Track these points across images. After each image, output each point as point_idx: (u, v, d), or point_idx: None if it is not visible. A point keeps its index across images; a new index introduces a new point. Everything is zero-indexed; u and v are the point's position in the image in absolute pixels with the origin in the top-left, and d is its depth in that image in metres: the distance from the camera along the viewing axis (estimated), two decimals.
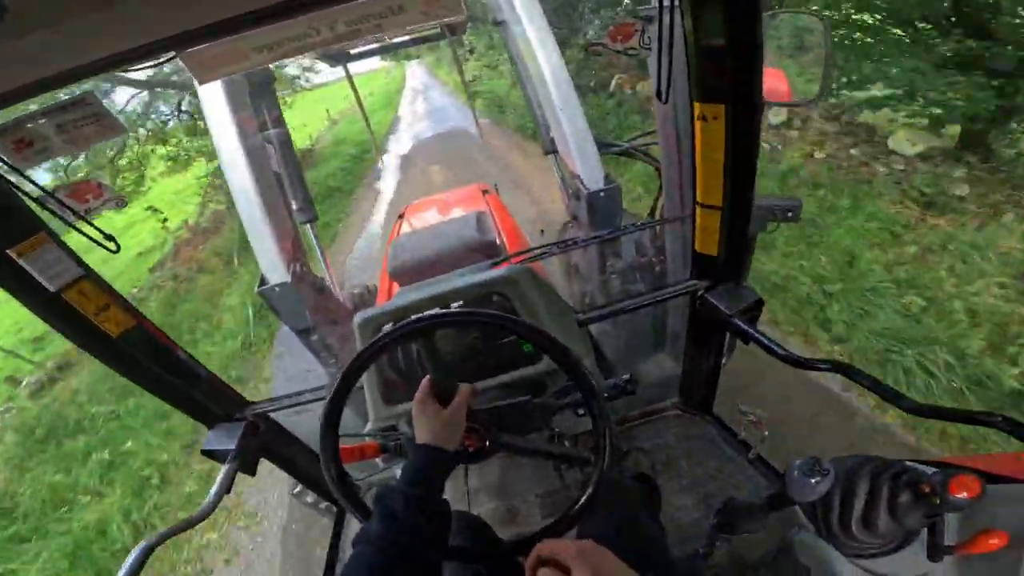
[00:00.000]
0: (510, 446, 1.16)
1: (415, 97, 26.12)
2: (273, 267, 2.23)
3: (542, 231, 4.08)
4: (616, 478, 1.62)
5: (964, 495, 0.78)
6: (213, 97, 2.11)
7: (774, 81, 1.34)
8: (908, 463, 0.96)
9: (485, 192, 4.00)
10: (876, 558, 0.97)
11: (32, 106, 0.96)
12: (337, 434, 1.07)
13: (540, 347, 1.13)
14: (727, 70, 1.13)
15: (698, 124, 1.28)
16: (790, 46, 1.42)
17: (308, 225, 2.99)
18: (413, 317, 1.13)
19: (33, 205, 1.04)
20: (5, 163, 0.91)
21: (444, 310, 1.19)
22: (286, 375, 2.90)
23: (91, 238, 1.06)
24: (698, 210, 1.50)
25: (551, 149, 3.14)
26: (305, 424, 2.08)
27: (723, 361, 1.99)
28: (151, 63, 0.86)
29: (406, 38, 3.80)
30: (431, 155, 11.75)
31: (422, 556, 0.84)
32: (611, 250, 2.65)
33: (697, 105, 1.25)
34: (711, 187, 1.41)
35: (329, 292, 2.87)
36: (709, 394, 2.15)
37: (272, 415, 1.77)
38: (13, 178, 0.95)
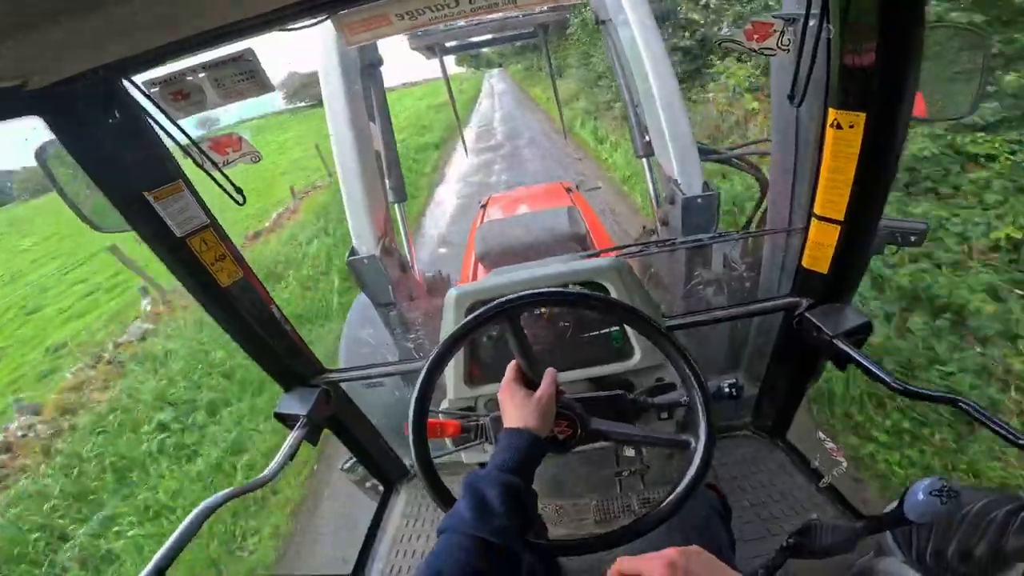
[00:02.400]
0: (604, 434, 1.13)
1: (486, 135, 16.53)
2: (364, 240, 2.30)
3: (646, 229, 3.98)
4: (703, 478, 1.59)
5: None
6: (330, 75, 2.22)
7: None
8: None
9: (569, 189, 3.99)
10: None
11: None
12: (429, 400, 1.08)
13: (655, 341, 1.11)
14: (875, 77, 1.06)
15: (830, 132, 1.21)
16: (934, 62, 1.32)
17: (397, 205, 3.08)
18: (543, 289, 1.11)
19: (176, 154, 1.11)
20: (163, 112, 0.98)
21: (551, 289, 1.16)
22: (358, 347, 2.99)
23: (223, 188, 1.12)
24: (813, 223, 1.42)
25: (645, 152, 3.09)
26: (372, 397, 2.14)
27: (809, 385, 1.90)
28: (306, 24, 0.89)
29: (500, 34, 3.85)
30: None
31: (512, 548, 0.82)
32: (700, 259, 2.57)
33: (832, 111, 1.18)
34: (833, 199, 1.33)
35: (410, 271, 2.94)
36: (786, 417, 2.05)
37: (343, 385, 1.80)
38: (166, 126, 1.02)
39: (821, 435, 1.85)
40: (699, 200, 2.29)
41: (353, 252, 2.36)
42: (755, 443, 2.16)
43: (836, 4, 1.02)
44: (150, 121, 1.03)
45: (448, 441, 1.40)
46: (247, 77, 0.94)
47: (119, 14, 0.64)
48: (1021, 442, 1.06)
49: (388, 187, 2.88)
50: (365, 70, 2.55)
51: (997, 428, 1.09)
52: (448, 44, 3.56)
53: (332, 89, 2.22)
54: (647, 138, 2.87)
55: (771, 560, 1.33)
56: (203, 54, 0.94)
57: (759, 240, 2.36)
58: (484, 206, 3.97)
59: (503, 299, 1.09)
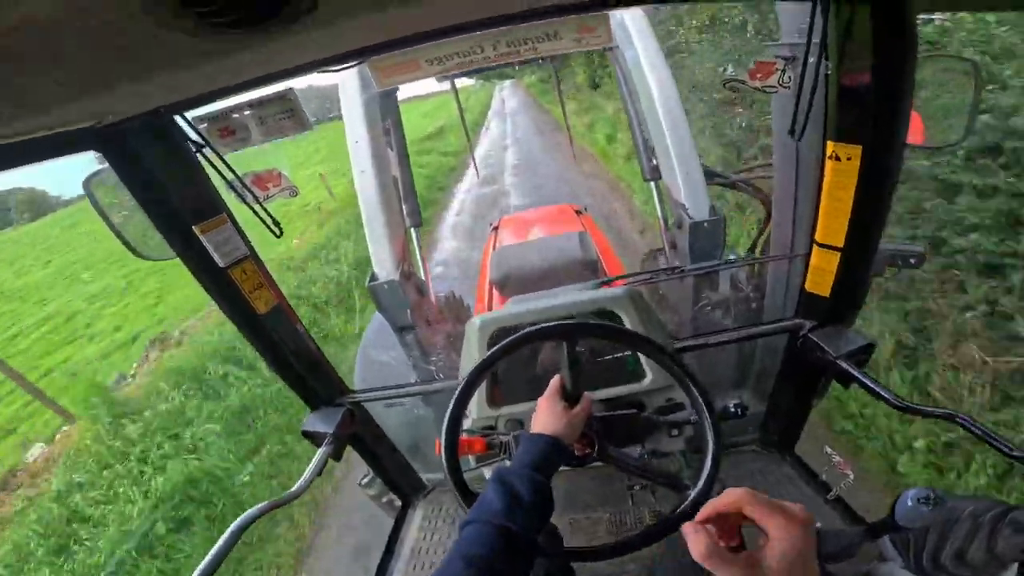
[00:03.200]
0: (614, 459, 1.22)
1: (491, 185, 11.71)
2: (384, 265, 2.38)
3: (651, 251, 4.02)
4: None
5: None
6: (352, 106, 2.30)
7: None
8: (1015, 505, 0.95)
9: (578, 212, 4.06)
10: None
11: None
12: (462, 419, 1.17)
13: (670, 369, 1.22)
14: (870, 111, 1.13)
15: (829, 163, 1.27)
16: (929, 90, 1.39)
17: (413, 230, 3.16)
18: (562, 323, 1.23)
19: (220, 188, 1.19)
20: (211, 148, 1.06)
21: (594, 321, 1.28)
22: (374, 367, 3.05)
23: (263, 221, 1.20)
24: (815, 249, 1.49)
25: (652, 176, 3.16)
26: (391, 416, 2.19)
27: (814, 403, 1.94)
28: (343, 67, 0.98)
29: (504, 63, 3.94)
30: None
31: (534, 542, 0.86)
32: (707, 282, 2.63)
33: (830, 145, 1.24)
34: (833, 227, 1.39)
35: (427, 294, 3.01)
36: (793, 434, 2.08)
37: (365, 405, 1.86)
38: (214, 162, 1.10)
39: (828, 449, 1.88)
40: (706, 224, 2.35)
41: (373, 277, 2.44)
42: (763, 458, 2.18)
43: (834, 42, 1.09)
44: (199, 156, 1.11)
45: (471, 458, 1.47)
46: (288, 116, 1.03)
47: (187, 66, 0.72)
48: (1016, 455, 1.11)
49: (405, 212, 2.96)
50: (383, 97, 2.63)
51: (995, 443, 1.14)
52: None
53: (354, 121, 2.30)
54: (654, 162, 2.95)
55: None
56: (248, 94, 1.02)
57: (764, 263, 2.41)
58: (496, 228, 4.04)
59: (532, 329, 1.21)
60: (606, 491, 2.12)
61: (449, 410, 1.17)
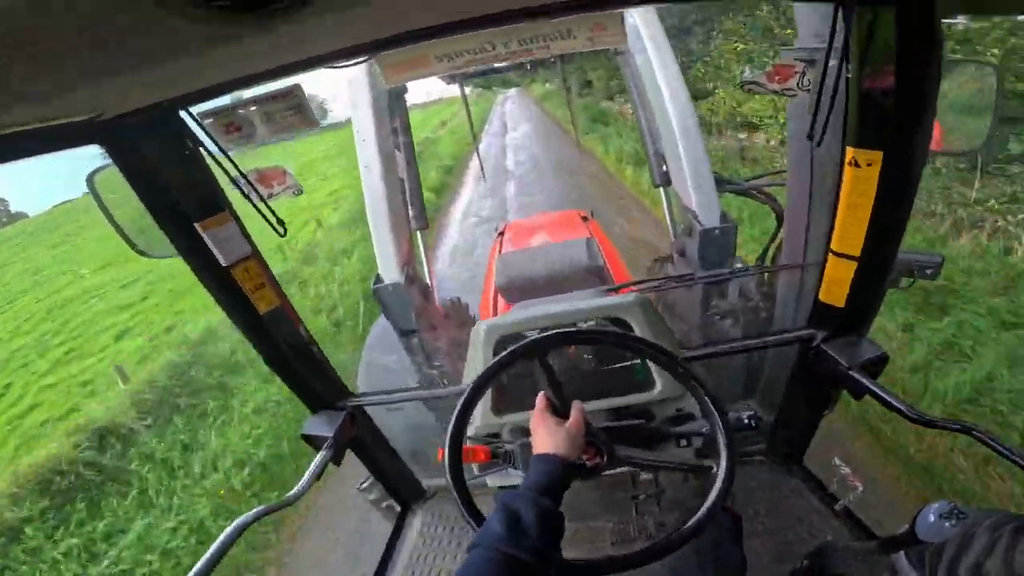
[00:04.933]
0: (630, 460, 1.19)
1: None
2: (389, 268, 2.36)
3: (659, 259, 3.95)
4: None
5: None
6: (361, 106, 2.29)
7: None
8: None
9: (584, 218, 4.04)
10: None
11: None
12: (466, 427, 1.14)
13: (681, 379, 1.19)
14: (891, 116, 1.10)
15: (848, 170, 1.24)
16: (950, 95, 1.36)
17: (419, 233, 3.14)
18: (577, 327, 1.20)
19: (224, 185, 1.17)
20: (216, 144, 1.04)
21: (597, 327, 1.24)
22: (377, 370, 3.04)
23: (267, 219, 1.17)
24: (830, 258, 1.45)
25: (663, 182, 3.13)
26: (392, 420, 2.17)
27: (825, 414, 1.91)
28: (352, 62, 0.95)
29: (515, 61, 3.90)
30: None
31: (542, 568, 0.84)
32: (716, 290, 2.59)
33: (850, 150, 1.21)
34: (850, 236, 1.36)
35: (432, 298, 2.98)
36: (801, 446, 2.05)
37: (366, 409, 1.84)
38: (218, 157, 1.08)
39: (836, 460, 1.85)
40: (716, 232, 2.32)
41: (379, 280, 2.42)
42: (771, 469, 2.15)
43: (856, 45, 1.06)
44: (202, 152, 1.09)
45: (474, 466, 1.44)
46: (294, 112, 1.00)
47: (196, 55, 0.70)
48: None
49: (411, 215, 2.94)
50: (392, 98, 2.62)
51: (1011, 456, 1.10)
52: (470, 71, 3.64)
53: (363, 122, 2.29)
54: (665, 168, 2.92)
55: None
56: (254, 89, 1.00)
57: (774, 272, 2.38)
58: (501, 234, 4.02)
59: (539, 338, 1.18)
60: (609, 500, 2.09)
61: (453, 420, 1.14)
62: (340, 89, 2.34)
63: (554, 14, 0.97)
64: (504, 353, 1.16)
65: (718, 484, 1.09)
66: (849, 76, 1.12)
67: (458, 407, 1.14)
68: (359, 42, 0.92)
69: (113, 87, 0.75)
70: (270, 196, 1.16)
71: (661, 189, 3.26)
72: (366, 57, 0.99)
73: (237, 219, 1.25)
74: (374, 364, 2.89)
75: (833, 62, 1.10)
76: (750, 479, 2.13)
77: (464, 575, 0.79)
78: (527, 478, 0.98)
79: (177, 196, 1.13)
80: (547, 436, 1.06)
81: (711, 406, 1.13)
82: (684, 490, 2.05)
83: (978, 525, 0.95)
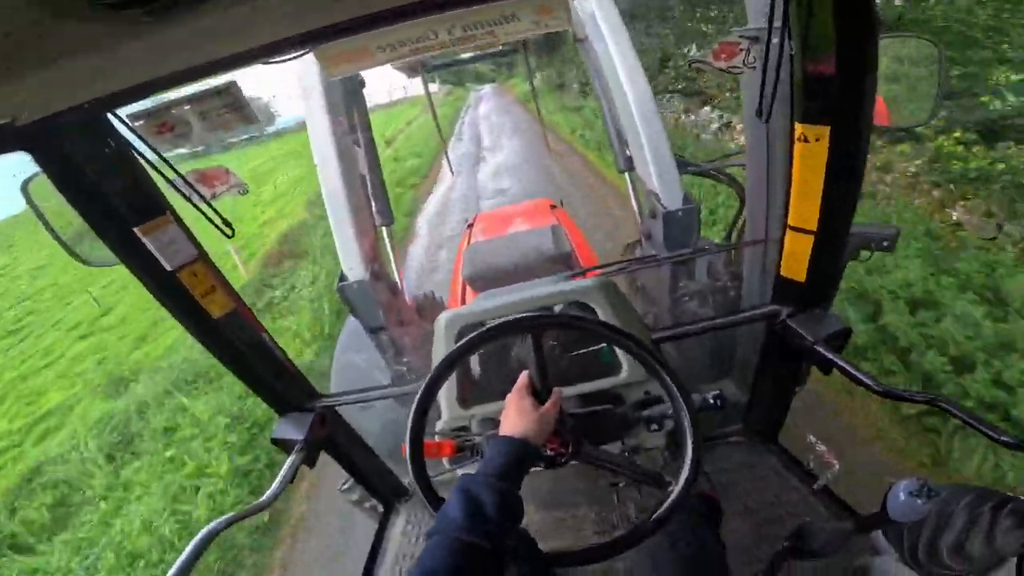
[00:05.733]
0: (591, 458, 1.18)
1: None
2: (353, 265, 2.32)
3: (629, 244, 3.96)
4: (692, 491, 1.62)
5: None
6: (315, 98, 2.23)
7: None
8: (1011, 496, 0.93)
9: (553, 207, 4.04)
10: None
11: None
12: (424, 423, 1.11)
13: (641, 360, 1.16)
14: (835, 91, 1.11)
15: (798, 145, 1.25)
16: (896, 70, 1.38)
17: (384, 229, 3.10)
18: (528, 313, 1.19)
19: (163, 187, 1.12)
20: (148, 145, 1.00)
21: (557, 312, 1.22)
22: (349, 370, 3.01)
23: (212, 221, 1.14)
24: (788, 233, 1.47)
25: (626, 167, 3.14)
26: (366, 420, 2.15)
27: (796, 389, 1.94)
28: (288, 57, 0.92)
29: (481, 52, 3.83)
30: None
31: (500, 552, 0.83)
32: (684, 271, 2.61)
33: (799, 126, 1.22)
34: (805, 210, 1.37)
35: (400, 294, 2.95)
36: (776, 423, 2.08)
37: (337, 410, 1.81)
38: (151, 159, 1.04)
39: (811, 438, 1.87)
40: (679, 213, 2.33)
41: (343, 278, 2.38)
42: (747, 448, 2.18)
43: (796, 21, 1.07)
44: (136, 155, 1.05)
45: (445, 460, 1.43)
46: (231, 109, 0.97)
47: (108, 52, 0.67)
48: (1004, 440, 1.10)
49: (375, 211, 2.89)
50: (347, 92, 2.57)
51: (979, 427, 1.13)
52: (432, 63, 3.56)
53: (316, 114, 2.23)
54: (628, 153, 2.93)
55: (768, 564, 1.35)
56: (188, 87, 0.96)
57: (741, 250, 2.40)
58: (470, 226, 4.00)
59: (490, 327, 1.15)
60: (591, 489, 2.10)
61: (411, 417, 1.12)
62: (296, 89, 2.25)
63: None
64: (454, 348, 1.15)
65: (686, 469, 1.09)
66: (792, 53, 1.12)
67: (414, 405, 1.12)
68: (292, 34, 0.89)
69: (24, 89, 0.71)
70: (213, 197, 1.12)
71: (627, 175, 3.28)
72: (306, 50, 0.95)
73: (180, 222, 1.21)
74: (347, 364, 2.86)
75: (776, 40, 1.11)
76: (727, 460, 2.15)
77: (423, 564, 0.77)
78: (486, 460, 0.96)
79: (112, 201, 1.09)
80: (517, 417, 1.04)
81: (673, 386, 1.12)
82: (666, 473, 2.07)
83: (954, 502, 0.94)
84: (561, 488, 2.14)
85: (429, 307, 3.74)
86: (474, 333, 1.15)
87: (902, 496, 0.93)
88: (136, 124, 0.98)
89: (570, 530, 2.00)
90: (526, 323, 1.16)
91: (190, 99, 0.95)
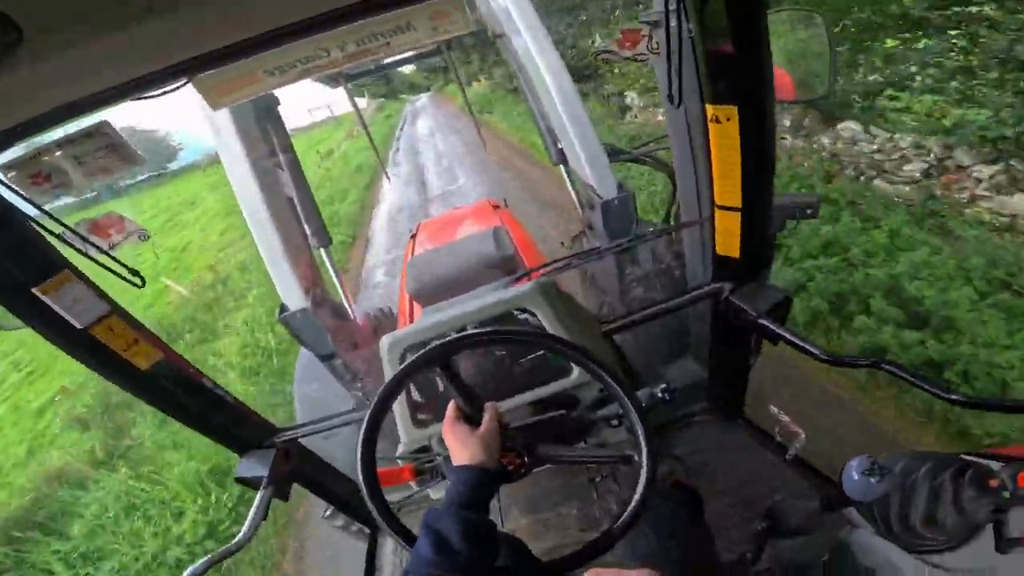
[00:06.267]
0: (551, 458, 1.16)
1: None
2: (292, 294, 2.23)
3: (564, 243, 3.98)
4: (654, 489, 1.61)
5: None
6: (223, 123, 2.12)
7: (778, 80, 1.33)
8: (966, 457, 0.94)
9: (496, 207, 4.01)
10: (943, 553, 0.94)
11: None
12: (374, 459, 1.08)
13: (573, 360, 1.15)
14: (736, 70, 1.12)
15: (712, 127, 1.27)
16: (793, 45, 1.41)
17: (323, 250, 3.00)
18: (439, 342, 1.14)
19: (56, 242, 1.04)
20: (26, 200, 0.92)
21: (471, 331, 1.19)
22: (308, 401, 2.90)
23: (116, 273, 1.06)
24: (717, 212, 1.49)
25: (560, 160, 3.14)
26: (333, 448, 2.08)
27: (751, 363, 1.97)
28: (164, 91, 0.86)
29: (404, 55, 3.69)
30: None
31: None
32: (628, 258, 2.63)
33: (709, 107, 1.24)
34: (728, 189, 1.39)
35: (348, 316, 2.87)
36: (738, 397, 2.12)
37: (302, 440, 1.77)
38: (34, 215, 0.96)
39: (774, 409, 1.90)
40: (615, 202, 2.35)
41: (283, 308, 2.30)
42: (716, 426, 2.22)
43: (692, 4, 1.07)
44: (17, 210, 0.96)
45: (412, 483, 1.40)
46: (109, 150, 0.89)
47: None
48: (952, 397, 1.13)
49: (309, 233, 2.79)
50: (261, 113, 2.44)
51: (925, 386, 1.16)
52: (352, 72, 3.43)
53: (227, 141, 2.13)
54: (560, 146, 2.92)
55: (754, 547, 1.37)
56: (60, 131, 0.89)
57: (679, 231, 2.43)
58: (414, 236, 3.94)
59: (407, 363, 1.12)
60: (570, 486, 2.11)
61: (359, 451, 1.08)
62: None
63: (376, 10, 0.91)
64: (374, 400, 1.11)
65: (643, 474, 1.07)
66: (692, 35, 1.13)
67: (360, 438, 1.08)
68: (168, 64, 0.83)
69: None
70: (112, 247, 1.04)
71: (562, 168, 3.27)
72: (184, 81, 0.89)
73: (84, 277, 1.12)
74: (305, 396, 2.79)
75: (675, 23, 1.11)
76: (697, 441, 2.19)
77: None
78: (448, 493, 0.95)
79: (3, 264, 1.00)
80: (460, 447, 1.03)
81: (617, 390, 1.10)
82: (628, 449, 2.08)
83: (914, 472, 0.94)
84: (542, 490, 2.14)
85: (384, 324, 3.66)
86: (387, 382, 1.12)
87: (855, 476, 0.94)
88: (8, 177, 0.90)
89: (556, 529, 2.01)
90: (437, 353, 1.12)
91: (60, 143, 0.87)
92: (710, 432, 2.20)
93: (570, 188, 3.33)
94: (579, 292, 3.50)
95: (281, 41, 0.87)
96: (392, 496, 1.18)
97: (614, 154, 2.57)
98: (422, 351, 1.13)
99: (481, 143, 4.81)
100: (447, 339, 1.12)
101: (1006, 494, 0.79)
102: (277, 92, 2.41)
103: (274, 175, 2.40)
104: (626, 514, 1.03)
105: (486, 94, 18.57)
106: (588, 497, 2.06)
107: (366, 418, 1.08)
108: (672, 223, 2.68)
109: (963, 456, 0.95)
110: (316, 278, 2.48)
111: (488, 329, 1.19)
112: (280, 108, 2.58)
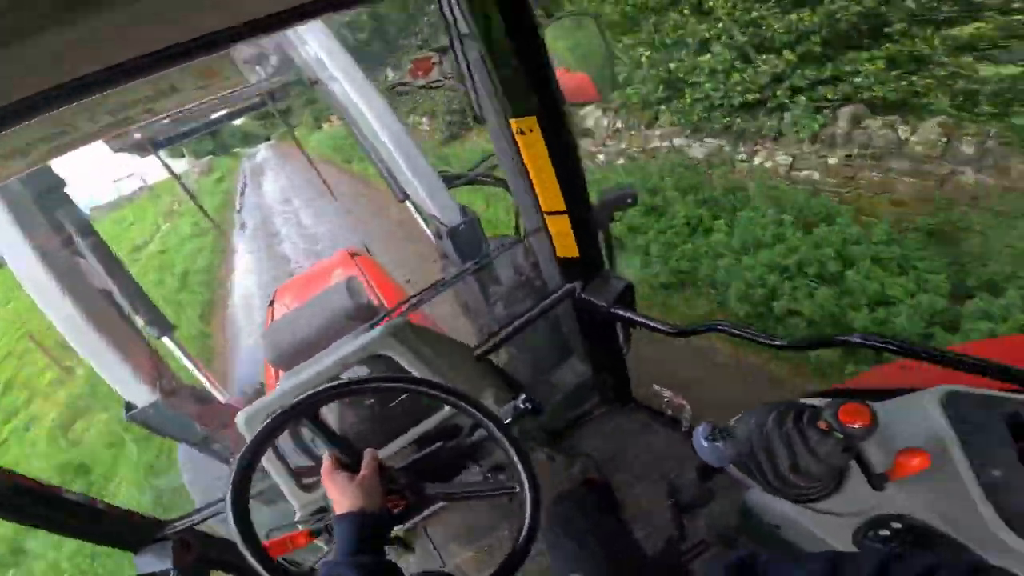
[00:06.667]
0: (436, 496, 1.15)
1: None
2: (134, 389, 1.98)
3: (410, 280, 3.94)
4: (564, 491, 1.62)
5: (857, 424, 0.78)
6: None
7: (580, 84, 1.42)
8: (803, 401, 1.00)
9: (354, 255, 3.91)
10: (828, 498, 0.98)
11: None
12: (256, 539, 1.02)
13: (424, 394, 1.14)
14: (526, 84, 1.17)
15: (519, 139, 1.32)
16: (586, 49, 1.51)
17: (167, 338, 2.70)
18: (274, 415, 1.10)
19: None
20: None
21: (300, 397, 1.13)
22: (199, 488, 2.70)
23: None
24: (547, 218, 1.55)
25: (404, 196, 3.12)
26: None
27: (625, 351, 2.06)
28: None
29: (221, 113, 3.36)
30: None
31: None
32: (489, 278, 2.66)
33: (513, 122, 1.29)
34: (550, 194, 1.46)
35: (213, 398, 2.62)
36: (624, 385, 2.21)
37: (204, 527, 1.66)
38: None
39: (656, 387, 2.00)
40: (461, 227, 2.38)
41: (129, 407, 2.03)
42: (611, 417, 2.30)
43: (476, 26, 1.11)
44: None
45: (320, 542, 1.31)
46: None
47: None
48: (777, 343, 1.24)
49: (143, 324, 2.50)
50: (43, 201, 2.05)
51: (755, 338, 1.26)
52: (161, 137, 3.12)
53: (4, 240, 1.78)
54: (399, 183, 2.90)
55: (677, 526, 1.41)
56: None
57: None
58: (272, 303, 3.73)
59: (246, 447, 1.08)
60: (499, 512, 2.10)
61: (235, 531, 1.01)
62: None
63: (133, 75, 0.83)
64: (235, 464, 1.05)
65: (525, 479, 1.07)
66: (483, 55, 1.17)
67: (229, 520, 1.01)
68: None
69: None
70: None
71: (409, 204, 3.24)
72: None
73: None
74: (193, 483, 2.66)
75: (460, 47, 1.14)
76: (598, 434, 2.27)
77: None
78: (337, 544, 0.95)
79: None
80: (340, 496, 1.01)
81: (476, 414, 1.11)
82: (555, 468, 2.11)
83: (763, 425, 0.96)
84: (474, 519, 2.13)
85: (260, 391, 3.40)
86: (237, 462, 1.06)
87: (704, 444, 0.97)
88: None
89: (498, 552, 1.97)
90: (279, 421, 1.09)
91: None
92: (608, 424, 2.28)
93: (420, 221, 3.32)
94: (458, 322, 3.49)
95: (16, 119, 0.75)
96: (310, 556, 1.20)
97: (450, 180, 2.61)
98: (267, 424, 1.09)
99: (330, 193, 4.66)
100: (273, 415, 1.09)
101: (838, 434, 0.81)
102: (59, 171, 2.12)
103: (75, 267, 2.10)
104: (520, 536, 1.07)
105: (340, 134, 15.58)
106: (514, 513, 2.05)
107: (228, 504, 1.02)
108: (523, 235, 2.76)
109: (802, 400, 1.01)
110: (162, 368, 2.22)
111: (323, 387, 1.15)
112: (68, 188, 2.22)
